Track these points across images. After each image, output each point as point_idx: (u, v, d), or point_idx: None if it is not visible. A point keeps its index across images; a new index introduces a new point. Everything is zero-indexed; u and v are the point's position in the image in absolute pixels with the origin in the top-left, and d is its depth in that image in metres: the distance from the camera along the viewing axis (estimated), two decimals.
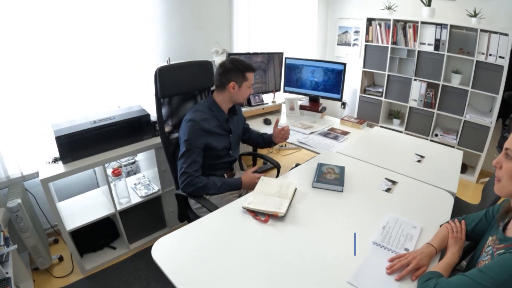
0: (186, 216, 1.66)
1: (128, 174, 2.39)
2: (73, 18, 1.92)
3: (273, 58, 2.49)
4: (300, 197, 1.31)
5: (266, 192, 1.27)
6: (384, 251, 1.03)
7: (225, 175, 1.70)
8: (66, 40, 1.94)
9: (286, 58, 2.55)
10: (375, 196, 1.37)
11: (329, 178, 1.41)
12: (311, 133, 2.11)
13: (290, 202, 1.23)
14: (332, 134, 2.10)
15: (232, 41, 2.82)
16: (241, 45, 2.84)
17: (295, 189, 1.34)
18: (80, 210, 1.94)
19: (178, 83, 1.64)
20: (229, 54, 2.19)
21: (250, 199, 1.23)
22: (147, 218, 2.16)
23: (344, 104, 4.06)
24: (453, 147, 3.12)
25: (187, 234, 1.11)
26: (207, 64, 1.76)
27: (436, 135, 3.25)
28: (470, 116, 2.98)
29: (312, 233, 1.11)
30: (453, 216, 1.20)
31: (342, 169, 1.50)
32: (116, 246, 2.09)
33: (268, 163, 1.91)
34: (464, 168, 3.26)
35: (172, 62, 2.06)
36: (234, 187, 1.53)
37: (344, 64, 2.35)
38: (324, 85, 2.48)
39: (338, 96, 2.45)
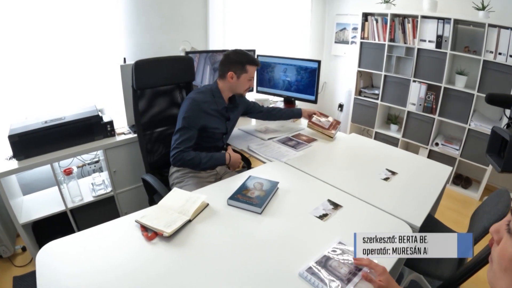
0: (154, 201, 1.69)
1: (93, 171, 2.37)
2: (31, 17, 1.89)
3: None
4: (208, 214, 1.15)
5: (170, 205, 1.14)
6: None
7: None
8: (27, 41, 1.92)
9: (258, 55, 2.38)
10: (302, 223, 1.13)
11: (250, 195, 1.22)
12: (269, 138, 1.93)
13: (190, 220, 1.09)
14: (293, 141, 1.91)
15: (208, 40, 2.69)
16: (218, 44, 2.71)
17: (206, 205, 1.19)
18: (39, 204, 1.97)
19: (155, 76, 1.70)
20: (187, 53, 2.07)
21: (147, 212, 1.11)
22: (102, 217, 2.12)
23: (341, 106, 3.82)
24: (455, 158, 2.81)
25: (78, 241, 1.05)
26: (187, 59, 1.83)
27: (437, 144, 2.93)
28: (475, 124, 2.64)
29: (192, 260, 0.95)
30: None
31: (273, 185, 1.31)
32: None
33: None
34: (468, 183, 2.92)
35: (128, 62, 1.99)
36: (219, 162, 1.66)
37: (318, 62, 2.14)
38: (297, 85, 2.28)
39: (312, 97, 2.25)
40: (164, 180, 1.74)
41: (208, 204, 1.19)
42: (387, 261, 0.98)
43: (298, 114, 2.04)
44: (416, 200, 1.34)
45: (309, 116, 2.00)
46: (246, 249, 1.01)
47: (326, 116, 2.02)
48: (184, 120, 1.54)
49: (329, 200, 1.26)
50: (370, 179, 1.48)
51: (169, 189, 1.53)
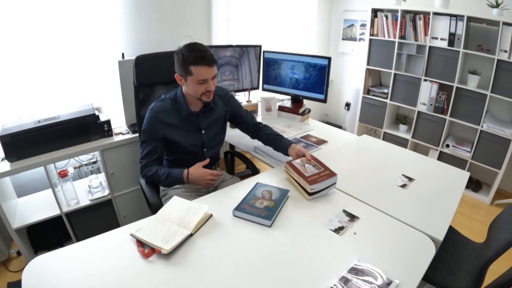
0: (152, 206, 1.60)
1: (91, 173, 2.27)
2: (25, 12, 1.79)
3: (248, 52, 2.22)
4: (212, 227, 1.05)
5: (168, 217, 1.04)
6: None
7: None
8: (21, 37, 1.82)
9: (264, 51, 2.26)
10: (316, 238, 1.02)
11: (258, 206, 1.11)
12: None
13: (191, 234, 0.98)
14: (302, 143, 1.81)
15: (211, 35, 2.58)
16: (221, 40, 2.60)
17: (210, 216, 1.08)
18: (34, 207, 1.89)
19: (158, 72, 1.62)
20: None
21: (144, 224, 1.01)
22: (100, 221, 2.06)
23: (348, 105, 3.71)
24: (466, 161, 2.70)
25: (68, 257, 0.94)
26: None
27: (448, 145, 2.82)
28: (488, 126, 2.53)
29: (194, 280, 0.85)
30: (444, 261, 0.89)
31: (283, 194, 1.20)
32: None
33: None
34: (478, 186, 2.81)
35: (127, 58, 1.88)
36: (177, 181, 1.38)
37: (329, 59, 2.02)
38: (305, 83, 2.17)
39: (321, 96, 2.13)
40: None
41: (211, 215, 1.09)
42: (413, 279, 0.88)
43: (284, 148, 1.51)
44: (436, 210, 1.24)
45: (297, 157, 1.44)
46: (253, 268, 0.91)
47: (321, 165, 1.34)
48: (143, 134, 1.39)
49: (344, 211, 1.16)
50: (386, 186, 1.38)
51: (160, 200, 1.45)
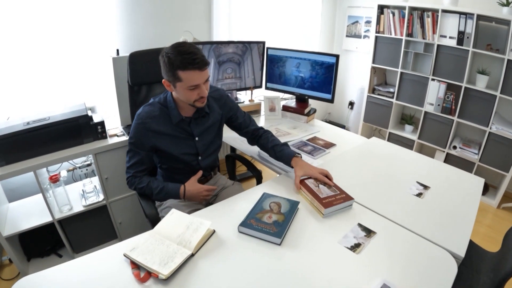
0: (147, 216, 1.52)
1: (85, 176, 2.16)
2: (12, 7, 1.67)
3: (251, 48, 2.11)
4: (215, 245, 0.94)
5: (167, 233, 0.93)
6: None
7: None
8: (9, 33, 1.71)
9: (268, 48, 2.15)
10: (332, 257, 0.92)
11: (266, 221, 1.01)
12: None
13: (192, 254, 0.88)
14: (309, 146, 1.71)
15: (212, 30, 2.46)
16: (223, 35, 2.48)
17: (212, 232, 0.98)
18: (26, 213, 1.79)
19: (154, 70, 1.46)
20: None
21: (139, 242, 0.90)
22: (95, 228, 1.97)
23: (351, 104, 3.62)
24: (474, 163, 2.62)
25: (55, 279, 0.84)
26: None
27: (455, 147, 2.74)
28: (496, 128, 2.45)
29: None
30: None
31: (293, 206, 1.09)
32: (63, 254, 1.95)
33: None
34: (485, 189, 2.74)
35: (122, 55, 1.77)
36: (172, 196, 1.30)
37: (337, 56, 1.92)
38: (311, 82, 2.06)
39: (328, 96, 2.03)
40: None
41: (214, 231, 0.99)
42: None
43: (287, 160, 1.35)
44: (455, 222, 1.16)
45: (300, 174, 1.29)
46: None
47: (336, 188, 1.22)
48: (130, 142, 1.28)
49: (360, 225, 1.06)
50: (402, 195, 1.29)
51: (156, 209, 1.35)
